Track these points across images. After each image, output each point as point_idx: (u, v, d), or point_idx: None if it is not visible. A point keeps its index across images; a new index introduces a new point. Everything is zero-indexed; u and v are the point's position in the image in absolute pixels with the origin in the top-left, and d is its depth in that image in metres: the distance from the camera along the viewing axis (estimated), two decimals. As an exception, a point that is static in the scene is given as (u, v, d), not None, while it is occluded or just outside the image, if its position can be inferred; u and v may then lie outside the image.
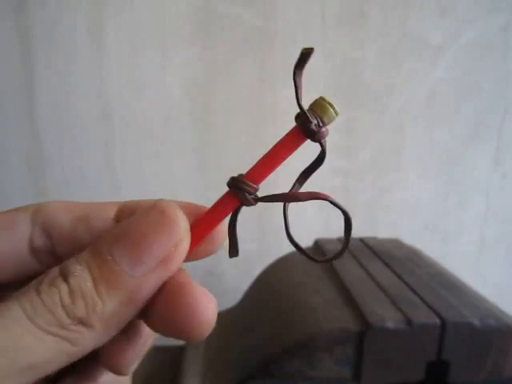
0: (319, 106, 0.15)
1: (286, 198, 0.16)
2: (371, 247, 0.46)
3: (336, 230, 0.64)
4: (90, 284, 0.13)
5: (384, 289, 0.37)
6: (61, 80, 0.58)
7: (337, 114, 0.15)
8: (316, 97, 0.15)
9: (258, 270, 0.48)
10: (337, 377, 0.32)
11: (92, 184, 0.60)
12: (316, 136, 0.15)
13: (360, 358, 0.32)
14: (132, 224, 0.14)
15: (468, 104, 0.62)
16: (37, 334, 0.13)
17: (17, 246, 0.16)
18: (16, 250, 0.16)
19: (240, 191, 0.15)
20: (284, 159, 0.16)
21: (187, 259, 0.16)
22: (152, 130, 0.60)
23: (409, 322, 0.31)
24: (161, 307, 0.15)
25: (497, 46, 0.60)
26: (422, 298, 0.35)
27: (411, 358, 0.32)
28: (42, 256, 0.17)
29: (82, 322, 0.13)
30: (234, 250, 0.17)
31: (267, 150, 0.16)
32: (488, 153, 0.64)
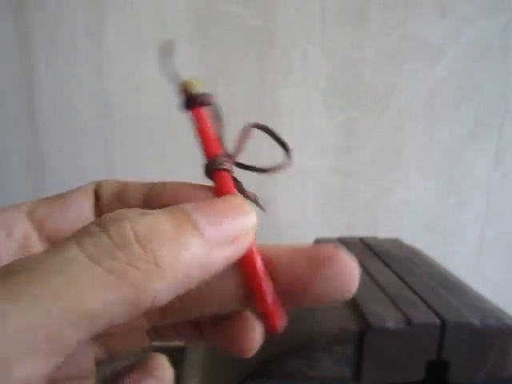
0: (184, 85, 0.19)
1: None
2: (371, 247, 0.46)
3: (336, 230, 0.64)
4: (170, 227, 0.12)
5: (384, 289, 0.37)
6: (61, 80, 0.58)
7: (200, 84, 0.19)
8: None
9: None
10: (337, 377, 0.32)
11: (92, 184, 0.60)
12: (199, 101, 0.19)
13: (360, 358, 0.32)
14: (213, 202, 0.15)
15: (468, 104, 0.62)
16: (96, 274, 0.11)
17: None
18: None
19: (226, 166, 0.18)
20: (209, 128, 0.19)
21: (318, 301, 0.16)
22: (152, 130, 0.60)
23: (409, 322, 0.31)
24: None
25: (497, 46, 0.60)
26: (422, 298, 0.35)
27: (411, 358, 0.32)
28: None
29: (155, 260, 0.12)
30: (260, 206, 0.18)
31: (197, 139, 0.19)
32: (488, 153, 0.64)
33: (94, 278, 0.11)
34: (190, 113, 0.19)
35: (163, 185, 0.18)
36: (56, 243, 0.12)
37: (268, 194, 0.58)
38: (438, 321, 0.32)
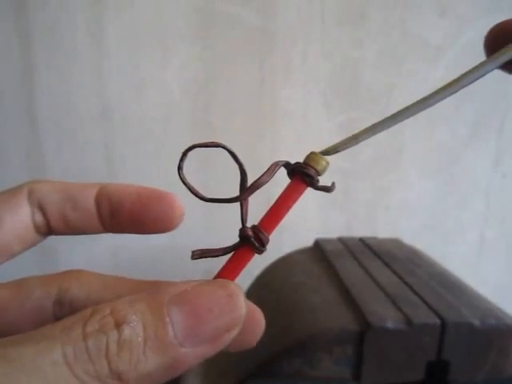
0: (312, 159, 0.17)
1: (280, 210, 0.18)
2: (371, 247, 0.46)
3: (336, 230, 0.64)
4: (140, 339, 0.13)
5: (384, 289, 0.37)
6: (61, 80, 0.58)
7: (328, 163, 0.17)
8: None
9: (257, 270, 0.48)
10: (337, 377, 0.32)
11: (92, 184, 0.60)
12: (315, 185, 0.17)
13: (360, 358, 0.32)
14: (198, 294, 0.14)
15: (468, 104, 0.62)
16: (69, 382, 0.12)
17: (25, 225, 0.19)
18: (25, 228, 0.19)
19: (252, 242, 0.16)
20: (290, 208, 0.17)
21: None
22: (152, 130, 0.60)
23: (409, 322, 0.31)
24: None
25: (497, 46, 0.60)
26: (422, 298, 0.35)
27: (411, 358, 0.32)
28: (41, 230, 0.19)
29: (118, 377, 0.13)
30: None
31: (274, 202, 0.17)
32: (488, 153, 0.64)
33: None
34: (296, 182, 0.17)
35: (116, 188, 0.20)
36: (47, 329, 0.13)
37: (268, 195, 0.58)
38: (438, 321, 0.32)
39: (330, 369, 0.32)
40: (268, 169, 0.17)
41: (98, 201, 0.19)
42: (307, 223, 0.64)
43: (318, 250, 0.47)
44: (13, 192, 0.19)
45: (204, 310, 0.14)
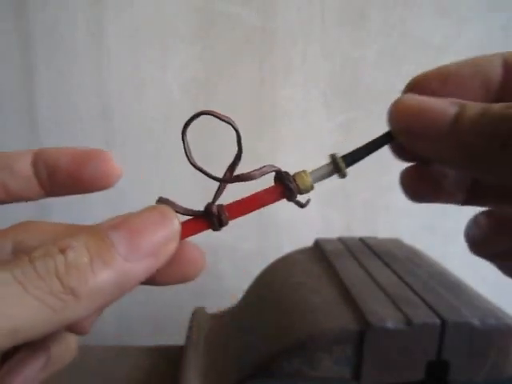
0: (300, 178, 0.18)
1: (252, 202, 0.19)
2: (371, 247, 0.46)
3: (336, 230, 0.64)
4: (86, 259, 0.14)
5: (384, 289, 0.37)
6: (61, 80, 0.58)
7: (312, 187, 0.18)
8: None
9: (257, 270, 0.48)
10: (337, 377, 0.32)
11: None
12: (291, 199, 0.18)
13: (360, 358, 0.32)
14: (133, 217, 0.16)
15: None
16: (24, 299, 0.13)
17: (24, 171, 0.19)
18: (25, 172, 0.19)
19: (212, 218, 0.18)
20: (259, 207, 0.18)
21: (169, 282, 0.19)
22: (152, 130, 0.60)
23: (409, 322, 0.31)
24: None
25: (497, 46, 0.60)
26: (422, 298, 0.35)
27: (411, 358, 0.32)
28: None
29: (72, 292, 0.14)
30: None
31: (249, 196, 0.18)
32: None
33: (22, 301, 0.13)
34: (276, 188, 0.18)
35: (51, 150, 0.20)
36: None
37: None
38: (438, 321, 0.32)
39: (330, 369, 0.32)
40: (261, 168, 0.18)
41: (35, 165, 0.19)
42: (307, 223, 0.64)
43: (318, 250, 0.47)
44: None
45: (140, 227, 0.16)
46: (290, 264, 0.46)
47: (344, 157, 0.19)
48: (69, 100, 0.58)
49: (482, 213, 0.20)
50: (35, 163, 0.19)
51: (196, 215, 0.18)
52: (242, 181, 0.17)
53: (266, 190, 0.18)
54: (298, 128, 0.61)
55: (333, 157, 0.19)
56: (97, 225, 0.16)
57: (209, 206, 0.18)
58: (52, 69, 0.57)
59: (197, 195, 0.65)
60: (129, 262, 0.15)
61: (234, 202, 0.18)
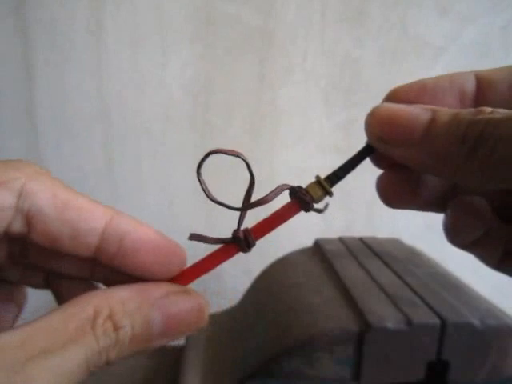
0: (312, 188, 0.19)
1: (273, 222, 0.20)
2: (371, 247, 0.46)
3: (336, 230, 0.64)
4: (127, 340, 0.16)
5: (384, 289, 0.36)
6: (60, 80, 0.58)
7: (325, 193, 0.19)
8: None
9: (257, 270, 0.48)
10: (337, 377, 0.32)
11: (91, 183, 0.60)
12: (308, 209, 0.19)
13: (360, 358, 0.32)
14: (177, 302, 0.17)
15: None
16: (82, 368, 0.15)
17: None
18: None
19: (241, 243, 0.19)
20: (281, 223, 0.19)
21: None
22: (151, 130, 0.60)
23: (409, 322, 0.31)
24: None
25: (497, 46, 0.60)
26: (422, 298, 0.35)
27: (411, 358, 0.32)
28: (12, 241, 0.18)
29: (108, 362, 0.16)
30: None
31: (270, 215, 0.19)
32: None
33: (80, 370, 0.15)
34: (292, 204, 0.19)
35: (130, 226, 0.18)
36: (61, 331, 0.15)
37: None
38: (438, 321, 0.32)
39: (330, 369, 0.32)
40: (274, 190, 0.19)
41: (104, 238, 0.17)
42: (307, 223, 0.64)
43: (318, 250, 0.47)
44: (4, 185, 0.15)
45: (178, 318, 0.17)
46: (289, 264, 0.46)
47: (328, 178, 0.20)
48: (68, 99, 0.58)
49: (452, 202, 0.21)
50: (106, 236, 0.17)
51: (225, 242, 0.19)
52: (259, 205, 0.19)
53: (284, 208, 0.19)
54: (297, 127, 0.61)
55: (317, 178, 0.19)
56: (145, 292, 0.17)
57: (235, 233, 0.19)
58: (51, 68, 0.57)
59: (197, 195, 0.65)
60: (158, 342, 0.17)
61: (258, 224, 0.19)
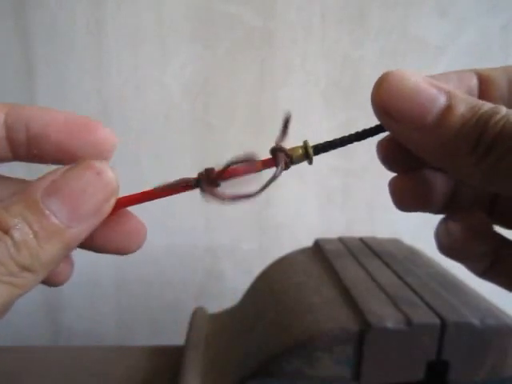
0: (295, 148, 0.19)
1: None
2: (371, 247, 0.46)
3: (336, 230, 0.64)
4: (31, 236, 0.15)
5: (384, 289, 0.37)
6: (60, 79, 0.58)
7: (309, 160, 0.19)
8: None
9: (257, 270, 0.48)
10: (336, 377, 0.32)
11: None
12: (282, 166, 0.19)
13: (360, 358, 0.32)
14: (68, 180, 0.16)
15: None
16: None
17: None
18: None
19: (206, 173, 0.19)
20: (251, 173, 0.19)
21: (108, 250, 0.19)
22: (151, 130, 0.60)
23: (409, 322, 0.31)
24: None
25: (497, 46, 0.60)
26: (422, 298, 0.35)
27: (411, 358, 0.32)
28: None
29: (28, 269, 0.15)
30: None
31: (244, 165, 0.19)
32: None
33: None
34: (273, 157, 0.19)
35: (36, 112, 0.18)
36: None
37: (267, 194, 0.58)
38: (438, 321, 0.32)
39: (330, 369, 0.32)
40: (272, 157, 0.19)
41: (9, 127, 0.18)
42: (307, 223, 0.64)
43: (318, 250, 0.47)
44: None
45: (78, 192, 0.16)
46: (290, 264, 0.46)
47: (315, 145, 0.20)
48: (68, 99, 0.58)
49: (453, 220, 0.20)
50: (10, 124, 0.17)
51: (188, 180, 0.19)
52: (243, 162, 0.18)
53: (260, 160, 0.19)
54: (297, 128, 0.61)
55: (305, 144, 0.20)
56: (30, 190, 0.15)
57: (206, 169, 0.18)
58: (51, 68, 0.57)
59: (197, 196, 0.65)
60: (72, 227, 0.15)
61: (229, 167, 0.18)
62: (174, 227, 0.62)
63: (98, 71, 0.58)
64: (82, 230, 0.16)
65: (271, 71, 0.59)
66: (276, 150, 0.19)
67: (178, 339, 0.44)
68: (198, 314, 0.47)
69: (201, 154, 0.59)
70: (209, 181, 0.18)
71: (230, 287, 0.63)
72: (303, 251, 0.48)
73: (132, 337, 0.67)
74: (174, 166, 0.61)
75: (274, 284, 0.43)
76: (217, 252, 0.63)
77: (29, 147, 0.18)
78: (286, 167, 0.19)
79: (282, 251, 0.49)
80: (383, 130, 0.19)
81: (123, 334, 0.67)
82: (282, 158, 0.19)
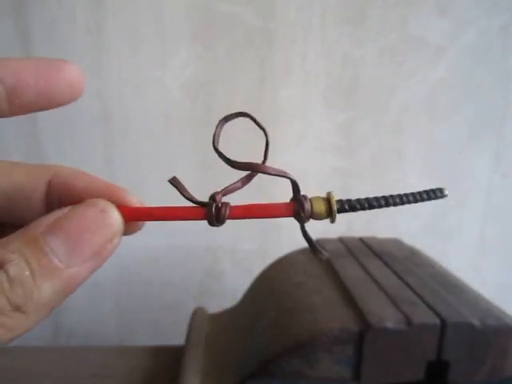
0: (317, 202, 0.17)
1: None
2: (371, 247, 0.46)
3: (336, 230, 0.64)
4: (28, 273, 0.14)
5: (384, 289, 0.37)
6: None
7: (332, 218, 0.17)
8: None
9: (257, 270, 0.48)
10: (337, 377, 0.32)
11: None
12: (301, 220, 0.17)
13: (360, 358, 0.32)
14: (71, 218, 0.15)
15: (468, 104, 0.62)
16: None
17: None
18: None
19: (212, 209, 0.17)
20: (264, 217, 0.17)
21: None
22: (152, 130, 0.60)
23: (409, 322, 0.31)
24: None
25: (497, 46, 0.60)
26: (422, 298, 0.35)
27: (411, 358, 0.32)
28: None
29: (18, 308, 0.14)
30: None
31: (258, 203, 0.17)
32: (488, 153, 0.64)
33: None
34: (289, 205, 0.17)
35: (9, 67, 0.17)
36: None
37: (267, 194, 0.58)
38: (438, 321, 0.32)
39: (330, 369, 0.32)
40: (277, 169, 0.17)
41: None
42: (307, 223, 0.63)
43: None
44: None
45: (80, 230, 0.15)
46: (290, 264, 0.46)
47: (340, 200, 0.17)
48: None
49: None
50: None
51: (197, 204, 0.17)
52: (253, 170, 0.17)
53: (278, 205, 0.17)
54: (297, 128, 0.61)
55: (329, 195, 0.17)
56: (31, 227, 0.15)
57: (214, 195, 0.17)
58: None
59: (197, 196, 0.65)
60: (71, 267, 0.15)
61: (240, 205, 0.17)
62: (174, 227, 0.62)
63: (97, 71, 0.58)
64: (81, 270, 0.15)
65: (271, 71, 0.59)
66: (298, 195, 0.17)
67: (178, 339, 0.44)
68: (198, 314, 0.47)
69: (201, 153, 0.60)
70: (218, 221, 0.17)
71: (230, 287, 0.63)
72: (303, 251, 0.48)
73: (132, 337, 0.67)
74: (174, 165, 0.61)
75: (274, 284, 0.43)
76: (217, 252, 0.63)
77: (10, 99, 0.17)
78: (299, 219, 0.17)
79: (282, 251, 0.49)
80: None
81: (123, 334, 0.67)
82: (304, 217, 0.17)
